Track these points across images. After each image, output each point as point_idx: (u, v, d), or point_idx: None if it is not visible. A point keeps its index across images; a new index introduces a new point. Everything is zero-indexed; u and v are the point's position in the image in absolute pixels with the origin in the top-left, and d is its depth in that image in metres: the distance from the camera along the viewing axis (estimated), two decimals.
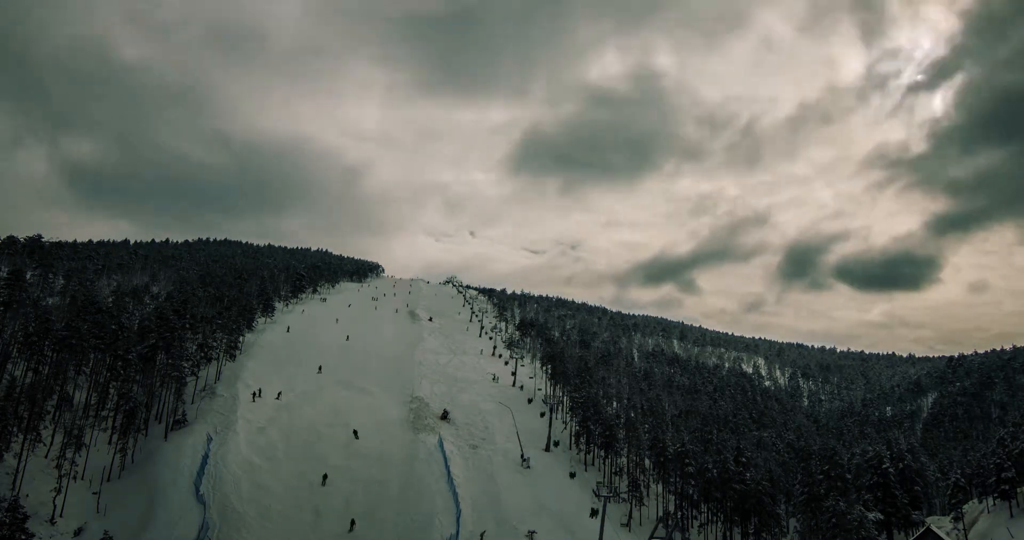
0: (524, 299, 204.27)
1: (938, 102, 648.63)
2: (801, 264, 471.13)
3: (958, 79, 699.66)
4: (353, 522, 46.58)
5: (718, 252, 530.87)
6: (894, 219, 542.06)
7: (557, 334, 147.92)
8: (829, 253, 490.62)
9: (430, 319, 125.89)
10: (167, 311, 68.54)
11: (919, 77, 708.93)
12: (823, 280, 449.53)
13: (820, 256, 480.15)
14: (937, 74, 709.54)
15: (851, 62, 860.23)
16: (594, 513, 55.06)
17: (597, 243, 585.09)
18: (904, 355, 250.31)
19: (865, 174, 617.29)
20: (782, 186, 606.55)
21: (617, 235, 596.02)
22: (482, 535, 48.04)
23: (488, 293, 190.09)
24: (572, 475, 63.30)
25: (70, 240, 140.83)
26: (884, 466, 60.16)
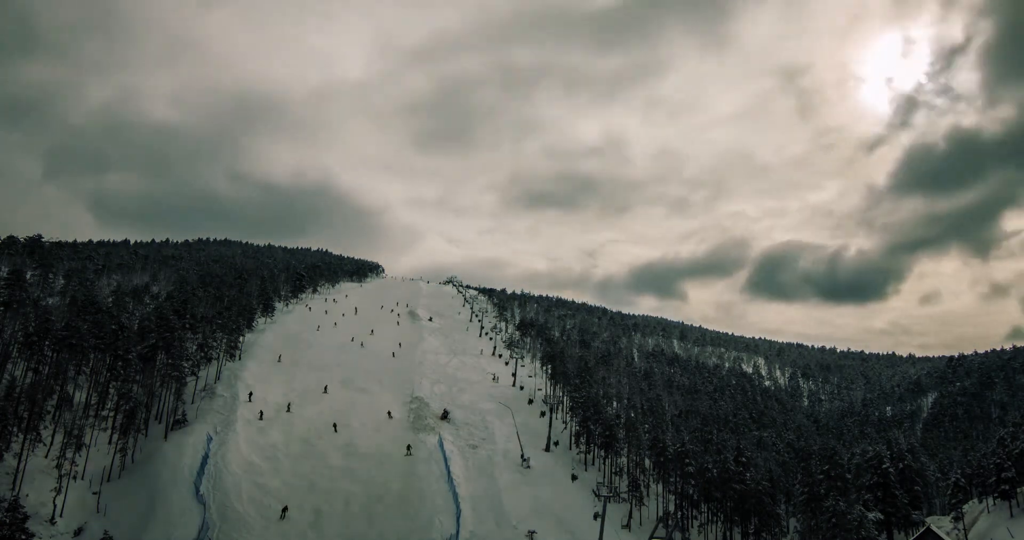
0: (524, 299, 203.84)
1: (872, 167, 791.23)
2: (773, 278, 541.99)
3: (886, 150, 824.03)
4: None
5: (706, 267, 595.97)
6: (850, 246, 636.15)
7: (557, 334, 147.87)
8: (799, 268, 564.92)
9: (430, 319, 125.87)
10: (167, 311, 68.59)
11: (854, 149, 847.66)
12: (793, 291, 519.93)
13: (792, 271, 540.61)
14: (869, 147, 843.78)
15: (794, 139, 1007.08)
16: (574, 478, 55.13)
17: (610, 254, 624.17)
18: (904, 355, 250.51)
19: (820, 217, 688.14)
20: (751, 222, 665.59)
21: (628, 249, 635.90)
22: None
23: (488, 293, 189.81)
24: (574, 477, 63.35)
25: (70, 240, 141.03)
26: (884, 466, 60.14)
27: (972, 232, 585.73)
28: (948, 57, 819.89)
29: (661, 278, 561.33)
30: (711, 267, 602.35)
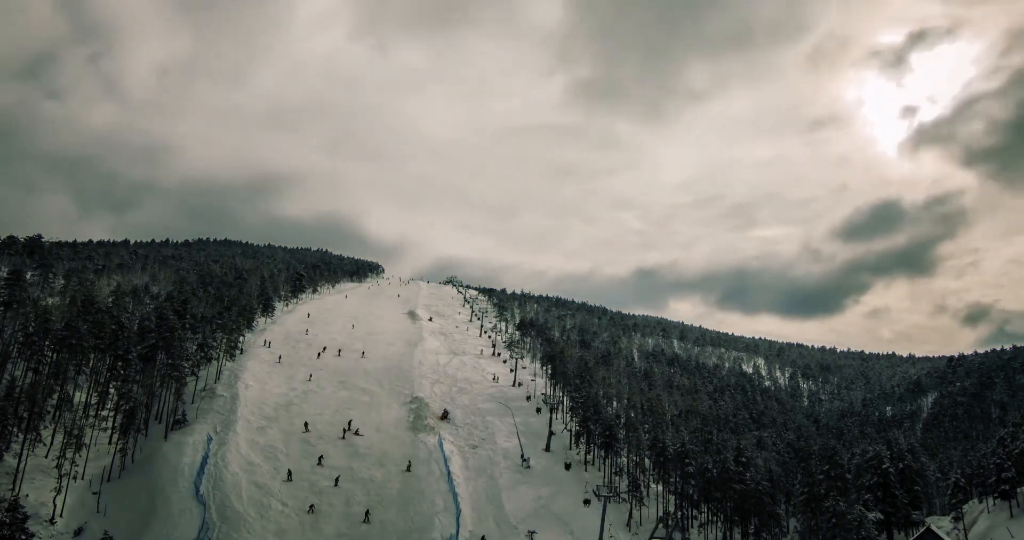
0: (524, 299, 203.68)
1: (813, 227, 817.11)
2: (741, 293, 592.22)
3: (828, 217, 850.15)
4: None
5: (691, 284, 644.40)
6: (810, 271, 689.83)
7: (557, 334, 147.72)
8: (766, 284, 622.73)
9: (430, 319, 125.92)
10: (167, 311, 68.55)
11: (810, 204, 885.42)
12: (756, 306, 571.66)
13: (757, 286, 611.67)
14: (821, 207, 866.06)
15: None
16: (587, 502, 55.45)
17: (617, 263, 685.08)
18: (904, 355, 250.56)
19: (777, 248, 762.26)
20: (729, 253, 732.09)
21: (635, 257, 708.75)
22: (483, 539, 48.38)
23: (488, 293, 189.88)
24: (572, 474, 63.34)
25: (70, 240, 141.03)
26: (884, 466, 60.15)
27: (914, 261, 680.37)
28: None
29: (650, 288, 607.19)
30: (693, 284, 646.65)
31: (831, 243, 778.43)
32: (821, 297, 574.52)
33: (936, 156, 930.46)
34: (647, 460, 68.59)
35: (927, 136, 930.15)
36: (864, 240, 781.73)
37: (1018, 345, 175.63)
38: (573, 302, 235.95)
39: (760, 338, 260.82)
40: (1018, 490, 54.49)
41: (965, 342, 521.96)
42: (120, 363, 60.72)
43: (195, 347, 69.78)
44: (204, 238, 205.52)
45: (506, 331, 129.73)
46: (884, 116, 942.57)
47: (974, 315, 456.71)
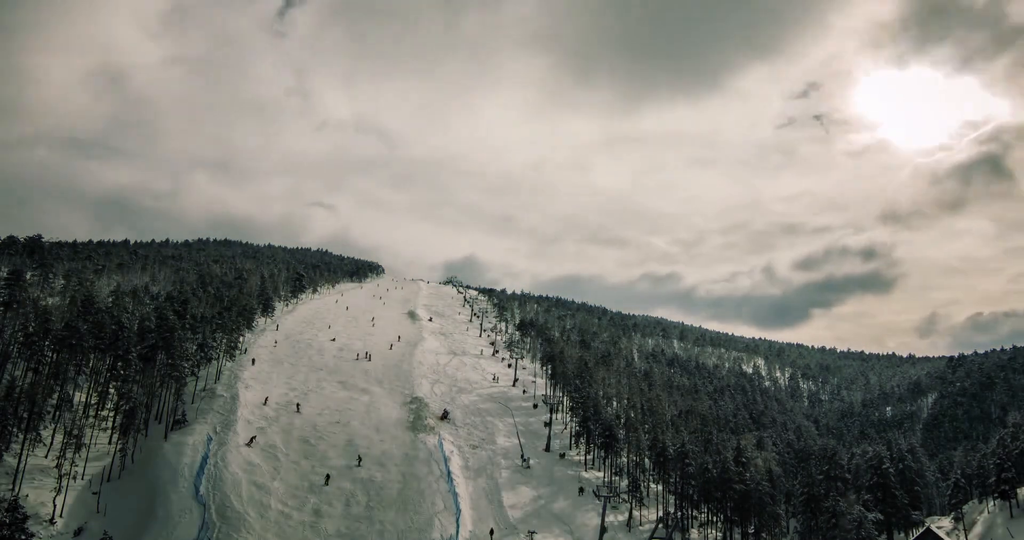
0: (524, 299, 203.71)
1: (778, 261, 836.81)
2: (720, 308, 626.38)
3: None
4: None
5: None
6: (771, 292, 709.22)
7: (557, 334, 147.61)
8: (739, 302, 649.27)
9: (430, 319, 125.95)
10: (167, 311, 68.54)
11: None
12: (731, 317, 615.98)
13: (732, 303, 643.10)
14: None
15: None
16: (580, 491, 55.59)
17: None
18: (904, 355, 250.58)
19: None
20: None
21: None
22: (491, 532, 48.61)
23: (488, 293, 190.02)
24: (566, 466, 63.36)
25: (70, 240, 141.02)
26: (884, 466, 60.21)
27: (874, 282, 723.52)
28: None
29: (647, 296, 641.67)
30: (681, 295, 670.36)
31: (791, 271, 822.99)
32: (789, 309, 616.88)
33: None
34: (647, 460, 68.56)
35: None
36: (818, 270, 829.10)
37: (1018, 345, 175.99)
38: (573, 302, 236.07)
39: (760, 338, 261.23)
40: (1018, 490, 54.57)
41: (921, 348, 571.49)
42: (120, 363, 60.73)
43: (195, 347, 69.76)
44: (204, 238, 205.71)
45: (506, 331, 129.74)
46: None
47: (925, 328, 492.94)
